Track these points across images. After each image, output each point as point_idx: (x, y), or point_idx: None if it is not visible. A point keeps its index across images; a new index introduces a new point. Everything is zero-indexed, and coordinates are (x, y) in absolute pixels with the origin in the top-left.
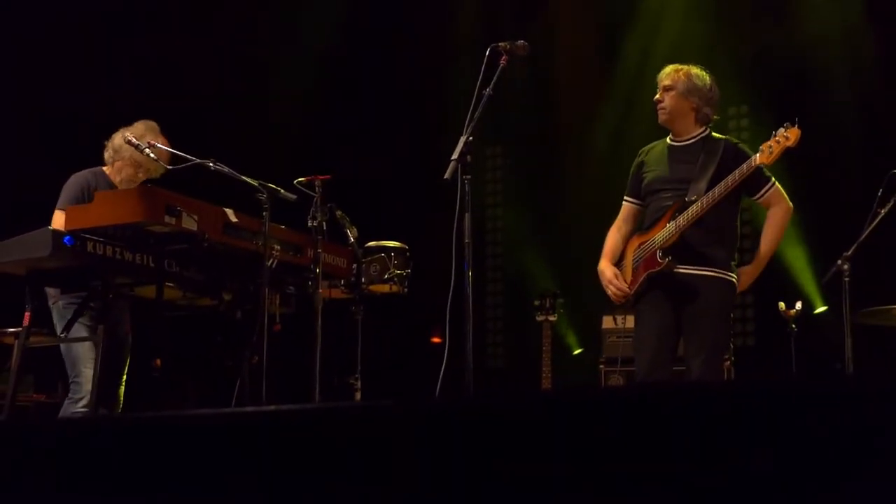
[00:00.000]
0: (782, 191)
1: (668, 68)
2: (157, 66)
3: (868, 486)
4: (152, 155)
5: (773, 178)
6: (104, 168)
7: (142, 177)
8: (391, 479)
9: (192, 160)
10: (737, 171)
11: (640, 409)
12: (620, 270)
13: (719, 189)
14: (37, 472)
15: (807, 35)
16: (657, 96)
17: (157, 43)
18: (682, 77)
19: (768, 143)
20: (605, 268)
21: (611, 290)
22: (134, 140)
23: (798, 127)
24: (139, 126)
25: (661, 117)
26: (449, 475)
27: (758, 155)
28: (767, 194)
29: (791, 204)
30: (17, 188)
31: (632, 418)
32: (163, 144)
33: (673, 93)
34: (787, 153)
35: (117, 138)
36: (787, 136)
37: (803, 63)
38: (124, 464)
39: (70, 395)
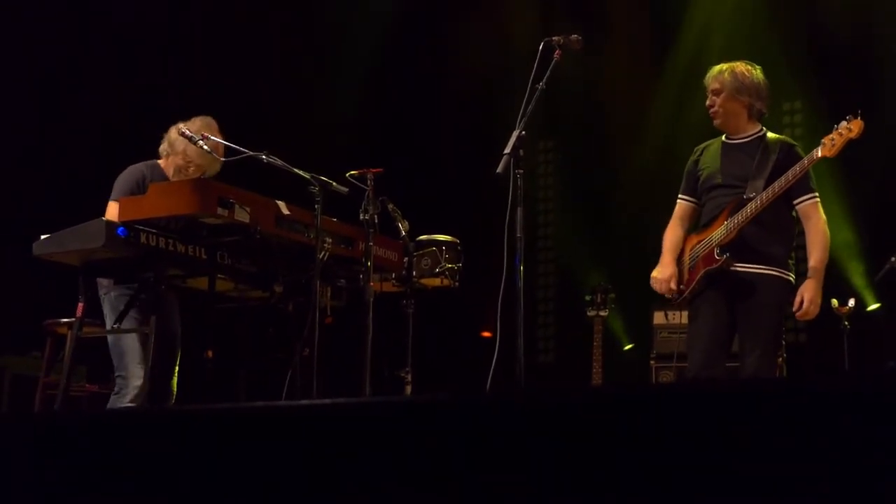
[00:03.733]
0: (821, 207)
1: (714, 70)
2: (211, 60)
3: None
4: (206, 147)
5: (818, 193)
6: (159, 161)
7: (193, 171)
8: (442, 472)
9: (245, 153)
10: (798, 165)
11: (692, 405)
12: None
13: (779, 184)
14: (88, 462)
15: (860, 30)
16: (708, 101)
17: (210, 37)
18: (728, 77)
19: (830, 136)
20: (665, 268)
21: (662, 290)
22: (188, 132)
23: (861, 118)
24: (196, 121)
25: (716, 121)
26: (498, 469)
27: (820, 148)
28: (808, 203)
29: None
30: (71, 181)
31: (683, 414)
32: (221, 139)
33: (723, 94)
34: (848, 157)
35: (173, 131)
36: (850, 127)
37: (858, 57)
38: (174, 455)
39: (116, 390)
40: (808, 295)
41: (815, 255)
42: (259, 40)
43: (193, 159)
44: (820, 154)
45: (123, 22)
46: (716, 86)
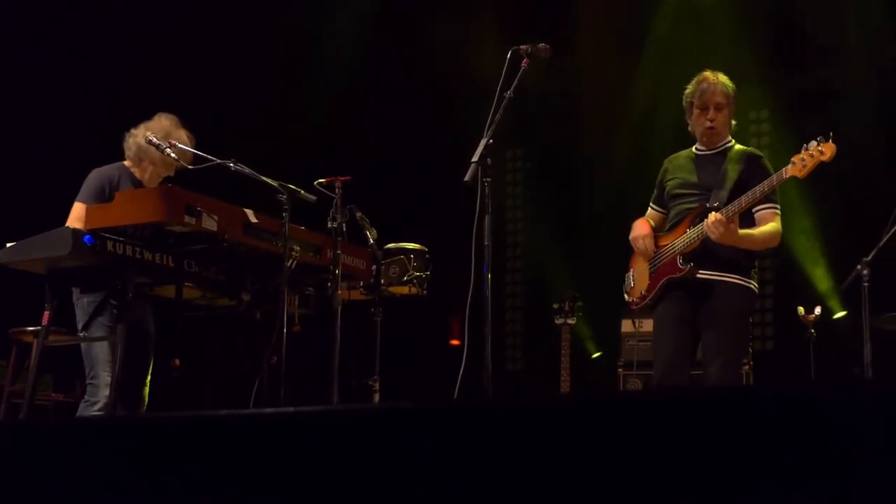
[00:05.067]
0: (779, 219)
1: (716, 83)
2: (180, 68)
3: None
4: (173, 155)
5: (779, 205)
6: (126, 163)
7: (164, 172)
8: (409, 479)
9: (212, 160)
10: (766, 183)
11: (656, 413)
12: (635, 276)
13: (746, 199)
14: (55, 470)
15: (829, 41)
16: (710, 115)
17: (179, 45)
18: (731, 92)
19: (801, 155)
20: (642, 223)
21: (640, 245)
22: (156, 140)
23: (832, 141)
24: (162, 122)
25: (712, 137)
26: (466, 474)
27: (790, 167)
28: (767, 211)
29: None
30: (36, 187)
31: (649, 422)
32: (185, 137)
33: (725, 111)
34: (818, 169)
35: (140, 136)
36: (821, 150)
37: (825, 69)
38: (142, 462)
39: (86, 396)
40: (718, 218)
41: (754, 232)
42: (227, 49)
43: (170, 164)
44: (790, 173)
45: (90, 27)
46: (721, 100)
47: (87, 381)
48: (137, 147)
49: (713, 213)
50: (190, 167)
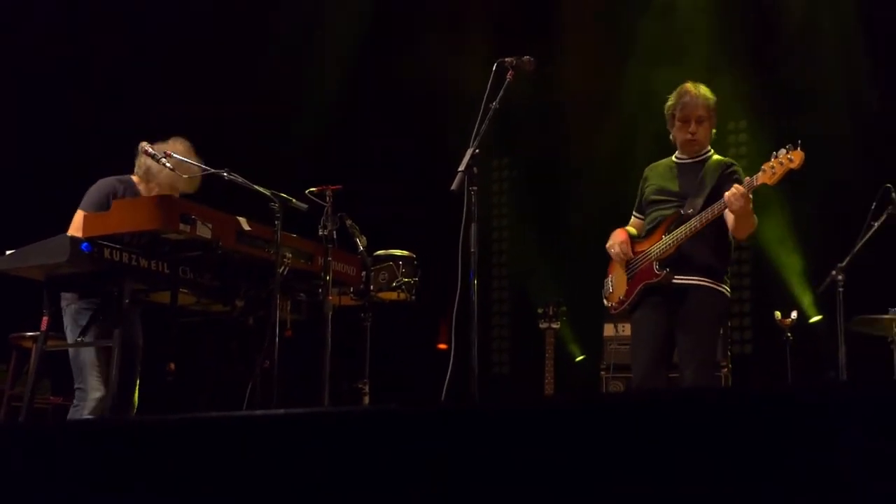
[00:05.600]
0: None
1: (698, 95)
2: (175, 79)
3: (862, 489)
4: (169, 165)
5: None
6: (133, 177)
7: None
8: (398, 479)
9: (207, 170)
10: (745, 183)
11: (636, 414)
12: (613, 282)
13: (719, 206)
14: (53, 471)
15: (804, 54)
16: (692, 128)
17: (175, 56)
18: (712, 104)
19: (770, 163)
20: (620, 232)
21: (616, 251)
22: (151, 151)
23: (801, 149)
24: (176, 145)
25: (694, 147)
26: (453, 478)
27: (760, 174)
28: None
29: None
30: (36, 195)
31: (630, 423)
32: (195, 162)
33: (706, 123)
34: (790, 173)
35: (147, 158)
36: (790, 157)
37: (802, 80)
38: (138, 463)
39: (75, 402)
40: (741, 191)
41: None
42: (223, 63)
43: (177, 186)
44: (760, 181)
45: (88, 39)
46: (703, 113)
47: (76, 387)
48: (147, 168)
49: (736, 185)
50: (193, 192)
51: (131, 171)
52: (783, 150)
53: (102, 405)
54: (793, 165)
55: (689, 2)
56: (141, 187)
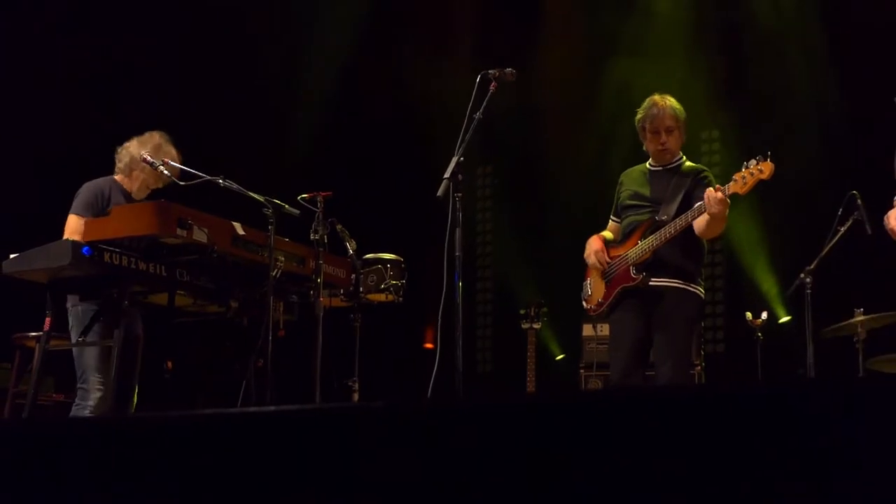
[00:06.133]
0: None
1: (665, 107)
2: (171, 89)
3: (825, 480)
4: (166, 172)
5: None
6: (116, 177)
7: (152, 184)
8: (386, 471)
9: (203, 177)
10: (722, 190)
11: (615, 410)
12: (591, 285)
13: (692, 214)
14: (55, 464)
15: (774, 66)
16: (662, 138)
17: (171, 65)
18: (679, 114)
19: (741, 173)
20: (595, 239)
21: (592, 260)
22: (150, 159)
23: (770, 160)
24: (154, 138)
25: (666, 157)
26: (438, 471)
27: (731, 184)
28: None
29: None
30: (36, 201)
31: (608, 418)
32: (174, 153)
33: (675, 133)
34: (764, 184)
35: (133, 149)
36: (760, 168)
37: (770, 91)
38: (136, 457)
39: (77, 399)
40: (720, 197)
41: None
42: (216, 74)
43: (161, 178)
44: (731, 190)
45: (81, 44)
46: (671, 123)
47: (78, 385)
48: (130, 158)
49: (713, 192)
50: (179, 182)
51: (111, 172)
52: (753, 161)
53: (103, 405)
54: (763, 176)
55: (664, 18)
56: (125, 183)
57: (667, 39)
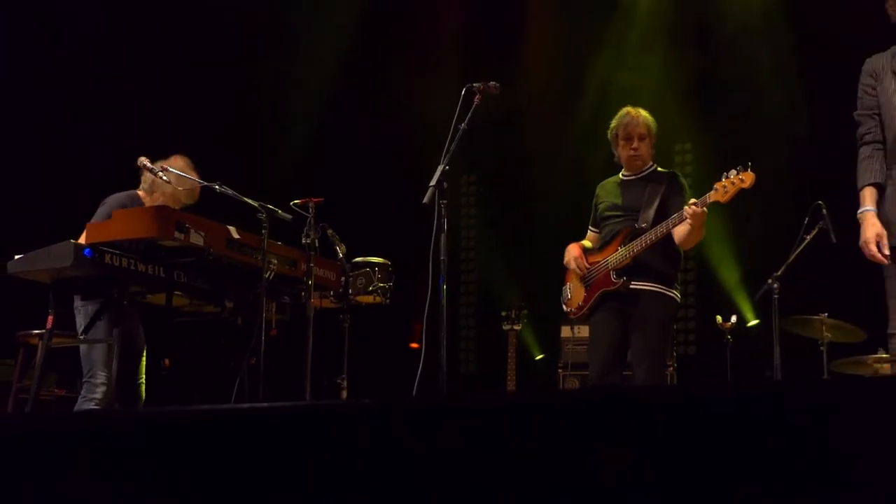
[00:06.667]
0: None
1: (637, 116)
2: (170, 98)
3: (793, 477)
4: (165, 177)
5: None
6: (139, 192)
7: (171, 205)
8: (372, 466)
9: (200, 183)
10: (699, 201)
11: (592, 408)
12: (571, 289)
13: (672, 221)
14: (57, 456)
15: (744, 82)
16: (634, 144)
17: (170, 76)
18: (651, 124)
19: (723, 182)
20: (575, 247)
21: (573, 266)
22: (149, 165)
23: (751, 170)
24: (177, 161)
25: (637, 163)
26: (424, 466)
27: (712, 192)
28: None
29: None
30: (43, 205)
31: (586, 416)
32: (194, 179)
33: (647, 141)
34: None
35: (149, 172)
36: (742, 178)
37: (741, 106)
38: (134, 450)
39: (83, 393)
40: (697, 211)
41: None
42: (215, 87)
43: (179, 198)
44: (713, 199)
45: (81, 54)
46: (643, 131)
47: (85, 380)
48: (151, 181)
49: (692, 207)
50: (193, 203)
51: (134, 186)
52: (734, 171)
53: (108, 397)
54: (744, 185)
55: (641, 34)
56: (146, 200)
57: (643, 56)
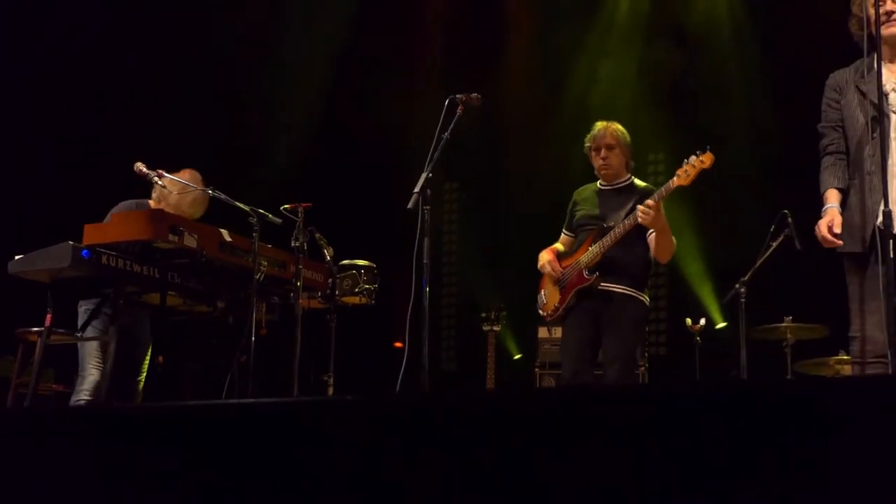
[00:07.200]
0: None
1: (607, 128)
2: (165, 106)
3: (755, 472)
4: (160, 182)
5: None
6: (150, 201)
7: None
8: (357, 458)
9: (194, 188)
10: (656, 194)
11: (566, 405)
12: (546, 295)
13: (636, 215)
14: (54, 448)
15: (714, 96)
16: (602, 154)
17: (163, 83)
18: (620, 135)
19: (683, 167)
20: (546, 252)
21: (547, 269)
22: (145, 170)
23: (710, 152)
24: (185, 174)
25: (608, 173)
26: (404, 458)
27: (675, 178)
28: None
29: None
30: (44, 206)
31: (560, 412)
32: (200, 192)
33: (616, 150)
34: (701, 199)
35: (167, 184)
36: (702, 160)
37: (714, 118)
38: (128, 445)
39: (76, 387)
40: (648, 204)
41: (671, 235)
42: (210, 96)
43: (180, 208)
44: (676, 184)
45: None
46: (611, 141)
47: (79, 374)
48: (160, 192)
49: (641, 207)
50: (197, 217)
51: (141, 190)
52: (693, 156)
53: (96, 387)
54: (705, 166)
55: (617, 46)
56: (153, 204)
57: (619, 67)
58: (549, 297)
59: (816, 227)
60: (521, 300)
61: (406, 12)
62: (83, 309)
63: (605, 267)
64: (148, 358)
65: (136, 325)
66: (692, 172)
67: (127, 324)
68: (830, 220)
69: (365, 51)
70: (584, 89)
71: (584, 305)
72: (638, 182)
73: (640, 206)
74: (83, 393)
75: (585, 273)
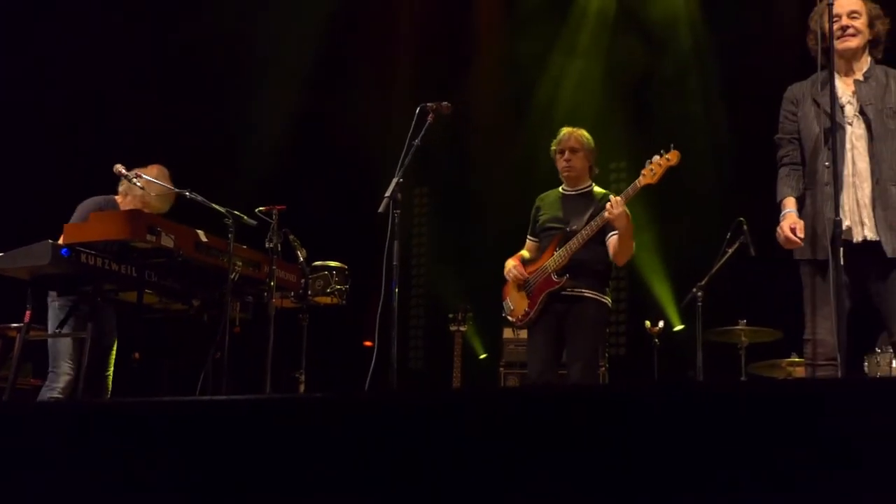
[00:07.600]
0: None
1: (572, 133)
2: (144, 109)
3: (715, 469)
4: (138, 183)
5: None
6: (116, 197)
7: (140, 206)
8: (326, 453)
9: (172, 189)
10: (623, 194)
11: (531, 404)
12: (513, 302)
13: (602, 217)
14: (32, 440)
15: (674, 105)
16: (566, 156)
17: (141, 85)
18: (585, 140)
19: (649, 167)
20: (512, 259)
21: (513, 274)
22: (124, 172)
23: (675, 149)
24: (153, 170)
25: (570, 174)
26: (373, 454)
27: (641, 178)
28: (615, 235)
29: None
30: (24, 205)
31: (524, 411)
32: (168, 184)
33: (580, 154)
34: (660, 205)
35: (131, 176)
36: (668, 157)
37: (671, 127)
38: (103, 439)
39: (48, 382)
40: (617, 199)
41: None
42: (187, 101)
43: (148, 202)
44: (643, 183)
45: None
46: (575, 145)
47: (49, 370)
48: (127, 186)
49: (613, 196)
50: (164, 211)
51: (113, 192)
52: (657, 157)
53: (70, 386)
54: (671, 163)
55: (582, 57)
56: (121, 204)
57: (584, 77)
58: (515, 303)
59: (778, 230)
60: (487, 301)
61: (379, 20)
62: (55, 305)
63: (571, 270)
64: (114, 352)
65: (105, 323)
66: (658, 171)
67: (104, 320)
68: (792, 223)
69: (339, 57)
70: (552, 96)
71: (552, 307)
72: (598, 189)
73: (611, 196)
74: (56, 391)
75: (554, 276)
